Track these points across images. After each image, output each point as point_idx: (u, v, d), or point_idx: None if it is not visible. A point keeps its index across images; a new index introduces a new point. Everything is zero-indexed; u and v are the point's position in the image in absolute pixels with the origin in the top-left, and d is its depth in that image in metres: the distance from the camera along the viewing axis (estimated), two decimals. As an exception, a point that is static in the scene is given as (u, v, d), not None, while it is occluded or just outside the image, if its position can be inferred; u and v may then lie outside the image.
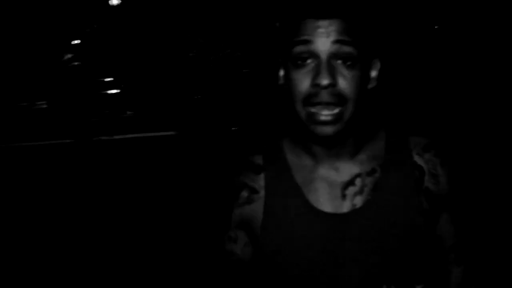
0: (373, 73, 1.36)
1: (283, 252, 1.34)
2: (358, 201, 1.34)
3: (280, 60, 1.35)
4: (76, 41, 13.85)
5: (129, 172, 7.96)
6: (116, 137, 10.95)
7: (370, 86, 1.35)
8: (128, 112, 14.21)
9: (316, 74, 1.24)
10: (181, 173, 7.62)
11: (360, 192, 1.35)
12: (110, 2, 13.31)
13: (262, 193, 1.39)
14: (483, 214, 4.83)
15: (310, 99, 1.24)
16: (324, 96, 1.24)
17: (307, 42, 1.25)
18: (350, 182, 1.36)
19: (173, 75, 12.10)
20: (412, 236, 1.33)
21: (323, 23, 1.26)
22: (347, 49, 1.24)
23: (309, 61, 1.26)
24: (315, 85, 1.23)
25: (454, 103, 9.49)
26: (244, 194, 1.40)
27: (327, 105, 1.24)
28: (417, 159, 1.40)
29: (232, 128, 9.65)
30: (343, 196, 1.36)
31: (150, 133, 10.91)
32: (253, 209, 1.39)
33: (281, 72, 1.35)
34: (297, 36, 1.27)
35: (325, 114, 1.24)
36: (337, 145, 1.32)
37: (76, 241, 5.25)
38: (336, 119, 1.25)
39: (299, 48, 1.26)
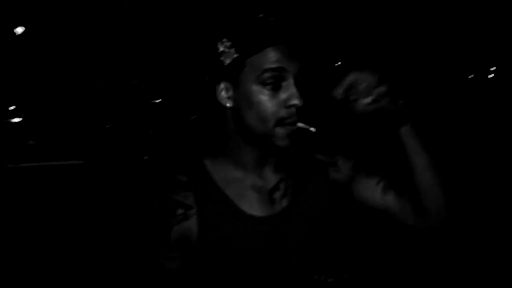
0: None
1: (223, 260, 1.47)
2: (285, 202, 1.56)
3: (223, 83, 1.47)
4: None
5: (37, 200, 7.91)
6: (22, 165, 10.80)
7: None
8: (31, 141, 13.99)
9: (290, 96, 1.40)
10: (89, 201, 7.66)
11: (285, 194, 1.51)
12: (14, 31, 13.11)
13: (194, 210, 1.44)
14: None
15: (284, 120, 1.41)
16: (296, 117, 1.42)
17: (278, 68, 1.34)
18: (276, 188, 1.56)
19: (80, 104, 12.03)
20: (334, 226, 1.54)
21: (291, 50, 1.36)
22: (307, 72, 1.43)
23: (276, 83, 1.41)
24: (290, 106, 1.41)
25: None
26: (180, 211, 1.44)
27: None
28: (318, 156, 1.57)
29: (144, 157, 9.74)
30: (272, 201, 1.56)
31: (58, 161, 10.82)
32: (189, 225, 1.44)
33: (226, 94, 1.46)
34: (268, 63, 1.41)
35: (292, 130, 1.39)
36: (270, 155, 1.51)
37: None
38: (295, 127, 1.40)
39: (268, 74, 1.41)
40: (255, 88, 1.39)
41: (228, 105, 1.45)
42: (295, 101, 1.41)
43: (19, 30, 13.65)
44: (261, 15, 1.42)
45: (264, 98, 1.40)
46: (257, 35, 1.36)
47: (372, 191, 1.51)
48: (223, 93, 1.43)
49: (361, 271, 1.44)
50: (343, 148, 1.56)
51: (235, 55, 1.37)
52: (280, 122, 1.42)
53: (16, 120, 14.32)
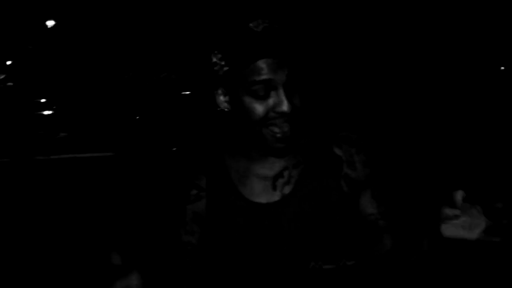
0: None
1: (225, 243, 1.55)
2: (287, 190, 1.57)
3: (220, 89, 1.58)
4: (9, 62, 13.74)
5: (68, 191, 8.00)
6: (52, 157, 10.93)
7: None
8: (62, 133, 14.17)
9: (278, 103, 1.47)
10: (119, 193, 7.72)
11: (287, 182, 1.55)
12: (44, 24, 13.29)
13: (204, 192, 1.55)
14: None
15: (270, 120, 1.49)
16: (282, 121, 1.49)
17: (266, 80, 1.39)
18: (279, 175, 1.59)
19: (109, 96, 12.15)
20: (335, 216, 1.57)
21: (277, 61, 1.44)
22: (295, 78, 1.45)
23: (266, 92, 1.50)
24: (277, 112, 1.48)
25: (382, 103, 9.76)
26: (194, 191, 1.57)
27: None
28: (336, 150, 1.59)
29: (173, 149, 9.78)
30: (274, 188, 1.58)
31: (88, 153, 10.94)
32: (201, 206, 1.55)
33: (223, 99, 1.58)
34: (257, 76, 1.42)
35: (281, 132, 1.44)
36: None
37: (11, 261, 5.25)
38: (290, 134, 1.46)
39: (259, 85, 1.49)
40: (246, 97, 1.48)
41: (225, 109, 1.55)
42: (283, 108, 1.47)
43: (50, 23, 13.82)
44: (249, 26, 1.51)
45: (253, 105, 1.50)
46: (244, 49, 1.47)
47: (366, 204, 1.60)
48: (221, 98, 1.53)
49: (362, 258, 1.43)
50: (364, 148, 1.60)
51: (226, 68, 1.48)
52: (266, 123, 1.47)
53: (47, 112, 14.52)
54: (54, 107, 14.36)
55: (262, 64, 1.44)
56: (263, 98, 1.44)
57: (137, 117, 10.73)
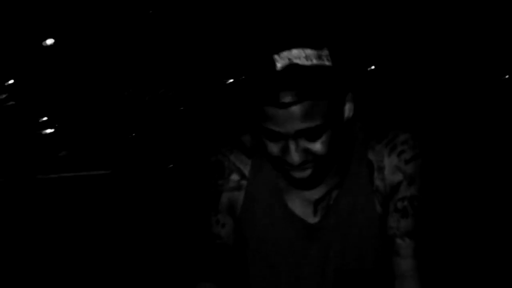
0: (347, 106, 1.44)
1: (253, 245, 1.47)
2: (324, 211, 1.52)
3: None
4: (10, 81, 13.75)
5: (67, 211, 8.00)
6: (52, 175, 10.96)
7: (347, 116, 1.43)
8: (63, 152, 14.21)
9: (286, 153, 1.36)
10: (119, 211, 7.71)
11: (327, 205, 1.49)
12: (43, 43, 13.33)
13: (246, 182, 1.48)
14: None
15: (284, 164, 1.40)
16: (297, 166, 1.39)
17: (271, 130, 1.35)
18: (322, 199, 1.50)
19: (108, 114, 12.14)
20: (370, 243, 1.48)
21: (288, 112, 1.31)
22: (312, 124, 1.33)
23: (277, 138, 1.35)
24: (286, 162, 1.39)
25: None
26: (235, 177, 1.48)
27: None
28: (370, 154, 1.47)
29: (169, 166, 9.77)
30: (315, 211, 1.54)
31: (87, 171, 10.96)
32: (239, 195, 1.48)
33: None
34: (264, 121, 1.35)
35: (298, 177, 1.38)
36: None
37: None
38: (311, 173, 1.38)
39: (267, 131, 1.35)
40: (263, 136, 1.40)
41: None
42: (288, 159, 1.39)
43: (49, 42, 13.85)
44: (272, 57, 1.40)
45: (268, 145, 1.39)
46: (260, 85, 1.35)
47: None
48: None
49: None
50: (398, 148, 1.45)
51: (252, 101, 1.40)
52: (284, 163, 1.39)
53: (48, 131, 14.57)
54: (56, 125, 14.40)
55: (270, 110, 1.32)
56: (275, 141, 1.36)
57: (133, 134, 10.72)
